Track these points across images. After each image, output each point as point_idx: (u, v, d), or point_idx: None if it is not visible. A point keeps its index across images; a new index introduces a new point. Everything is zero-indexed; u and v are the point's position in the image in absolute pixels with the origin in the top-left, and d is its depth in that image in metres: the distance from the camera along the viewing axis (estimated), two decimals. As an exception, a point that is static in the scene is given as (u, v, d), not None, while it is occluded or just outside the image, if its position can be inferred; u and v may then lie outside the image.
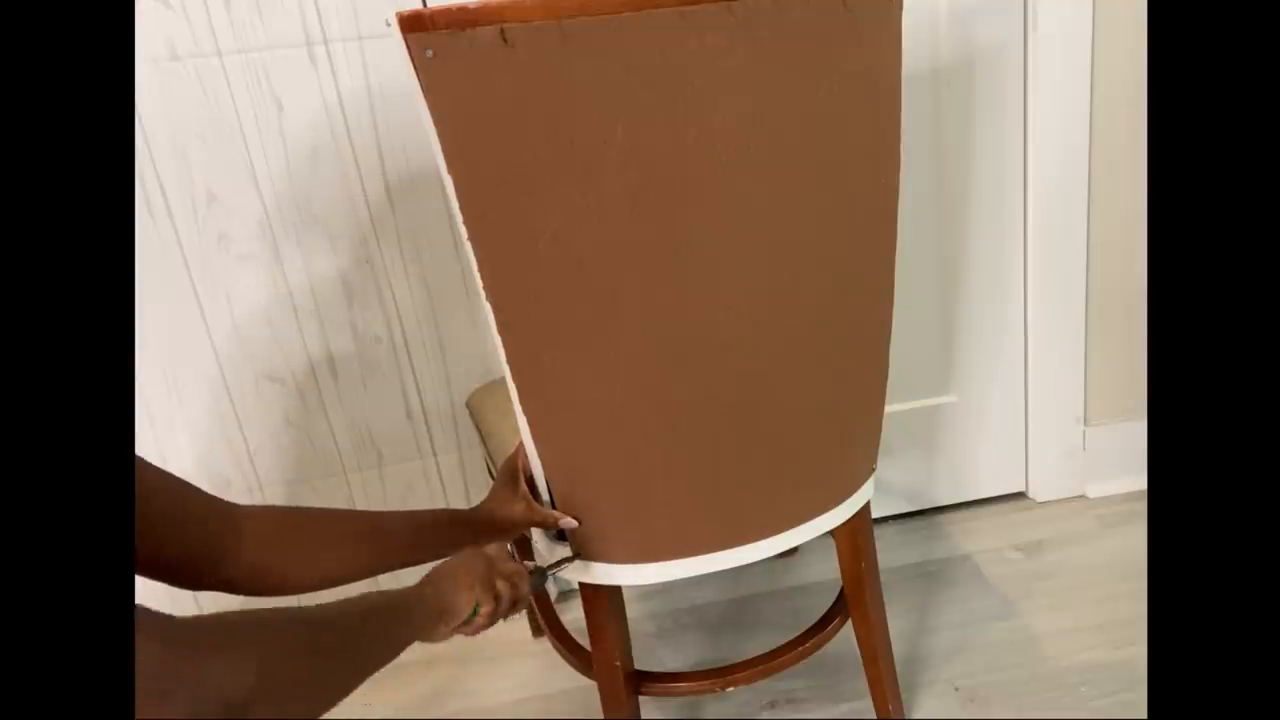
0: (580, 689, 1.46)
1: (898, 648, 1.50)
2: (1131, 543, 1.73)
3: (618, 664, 1.19)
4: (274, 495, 1.61)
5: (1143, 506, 1.81)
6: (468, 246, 0.92)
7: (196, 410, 1.55)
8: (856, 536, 1.24)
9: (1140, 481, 1.86)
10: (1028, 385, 1.81)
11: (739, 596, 1.72)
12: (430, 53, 0.81)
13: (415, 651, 0.92)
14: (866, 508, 1.23)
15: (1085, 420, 1.82)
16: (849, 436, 1.15)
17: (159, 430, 1.54)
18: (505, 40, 0.81)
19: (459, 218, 0.91)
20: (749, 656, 1.29)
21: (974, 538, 1.80)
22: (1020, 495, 1.90)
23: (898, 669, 1.39)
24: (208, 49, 1.38)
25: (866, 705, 1.41)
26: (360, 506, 1.65)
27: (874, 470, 1.22)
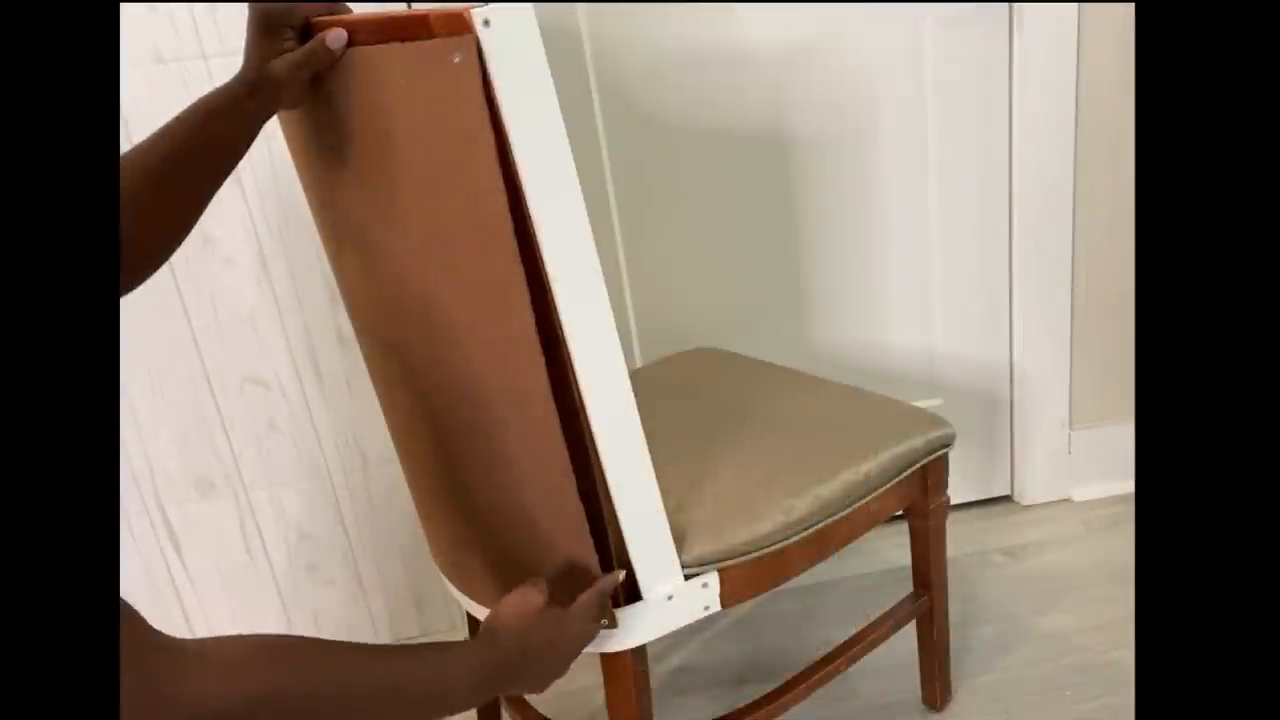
0: (580, 690, 1.46)
1: (890, 651, 1.51)
2: (1117, 546, 1.73)
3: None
4: (258, 498, 1.61)
5: (1128, 510, 1.82)
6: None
7: (180, 412, 1.54)
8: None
9: (1126, 485, 1.87)
10: (1014, 389, 1.82)
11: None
12: (459, 58, 0.81)
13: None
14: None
15: (1071, 424, 1.83)
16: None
17: (143, 432, 1.54)
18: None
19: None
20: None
21: (960, 541, 1.80)
22: (1006, 499, 1.91)
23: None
24: (192, 52, 1.37)
25: (864, 705, 1.41)
26: (347, 512, 1.65)
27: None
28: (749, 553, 1.08)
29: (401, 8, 1.17)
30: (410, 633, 1.74)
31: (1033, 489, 1.87)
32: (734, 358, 1.49)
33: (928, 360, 1.78)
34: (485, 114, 0.82)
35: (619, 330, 1.66)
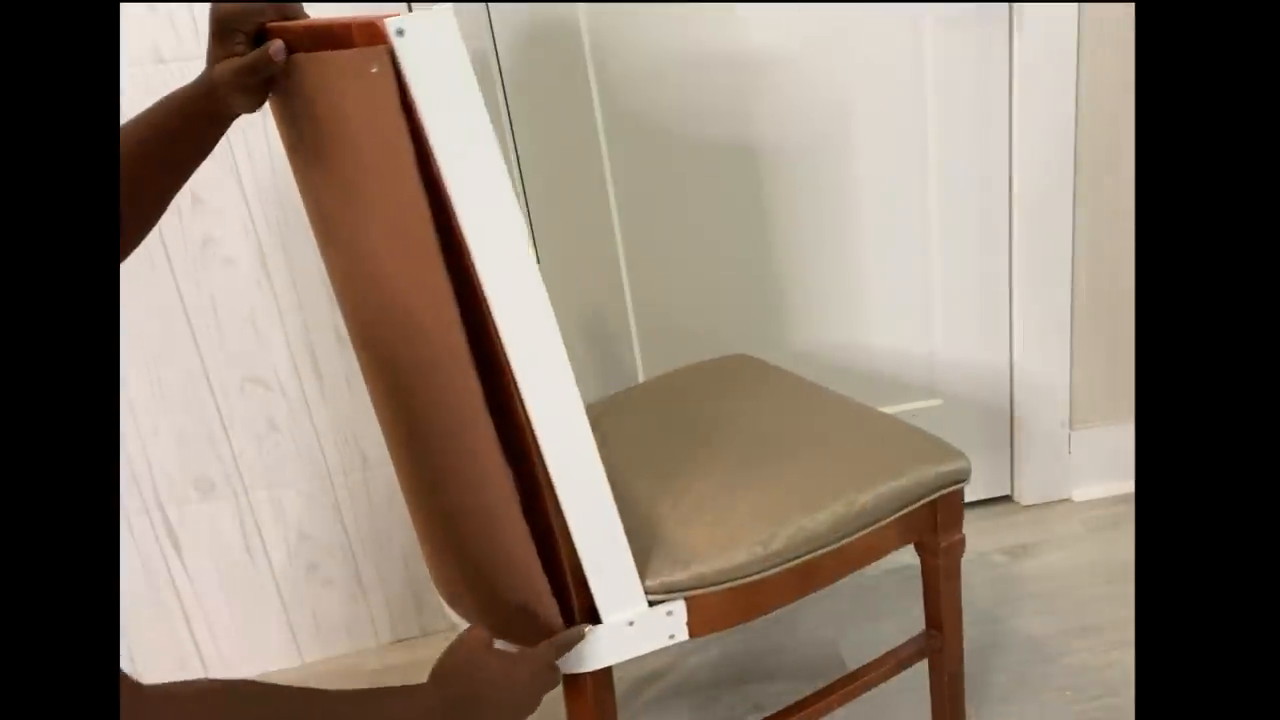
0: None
1: (883, 648, 1.50)
2: (1117, 547, 1.73)
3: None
4: (258, 499, 1.61)
5: (1128, 510, 1.82)
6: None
7: (180, 412, 1.54)
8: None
9: (1125, 485, 1.87)
10: (1014, 389, 1.82)
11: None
12: (375, 69, 0.79)
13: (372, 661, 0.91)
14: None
15: (1071, 424, 1.83)
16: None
17: (143, 432, 1.54)
18: None
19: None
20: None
21: (960, 541, 1.80)
22: (1006, 499, 1.91)
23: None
24: (192, 52, 1.37)
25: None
26: (347, 512, 1.65)
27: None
28: (720, 583, 1.02)
29: (352, 11, 1.15)
30: (410, 633, 1.74)
31: (1033, 489, 1.87)
32: (764, 368, 1.41)
33: (928, 360, 1.78)
34: (403, 125, 0.79)
35: (620, 333, 1.66)
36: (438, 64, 0.77)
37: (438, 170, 0.80)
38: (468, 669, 0.91)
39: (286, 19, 0.91)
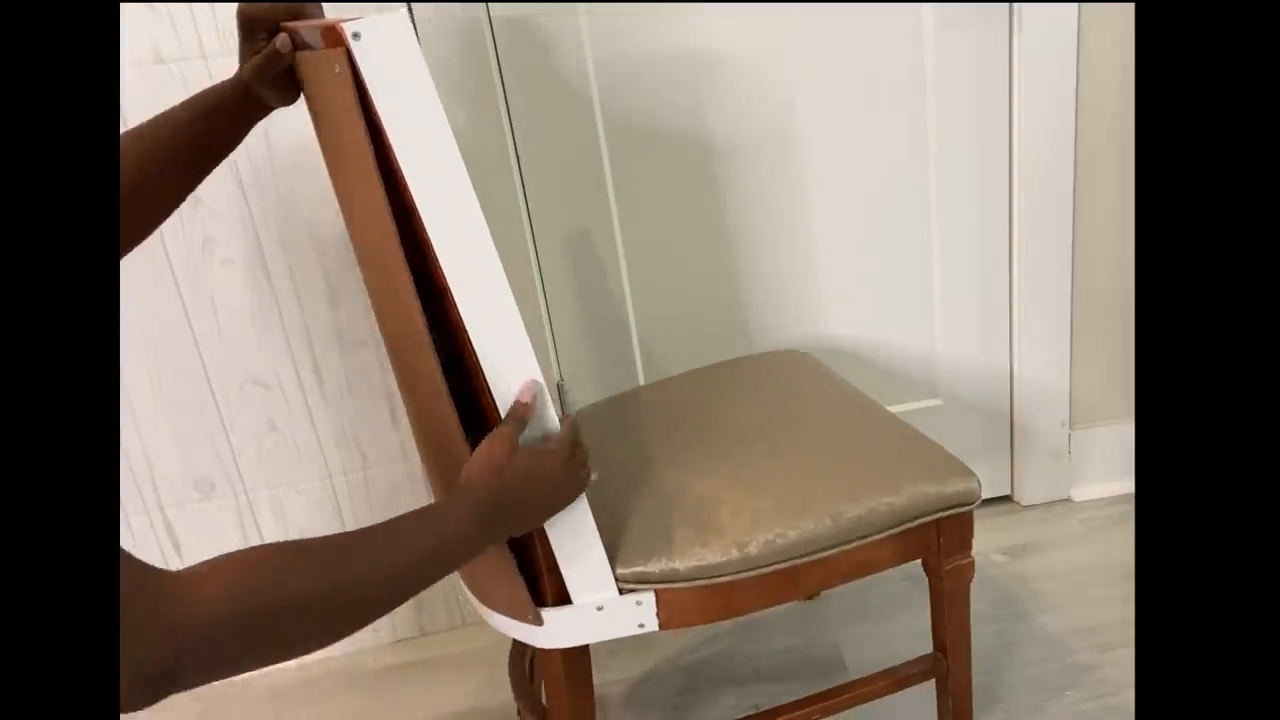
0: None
1: (886, 652, 1.50)
2: (1117, 547, 1.73)
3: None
4: (258, 499, 1.61)
5: (1128, 510, 1.82)
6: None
7: (180, 412, 1.54)
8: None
9: (1126, 485, 1.87)
10: (1014, 389, 1.82)
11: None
12: (338, 69, 0.83)
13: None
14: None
15: (1071, 424, 1.83)
16: None
17: (143, 432, 1.54)
18: None
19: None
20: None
21: (960, 541, 1.80)
22: (1006, 499, 1.91)
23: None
24: (192, 52, 1.37)
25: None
26: (347, 512, 1.65)
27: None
28: (692, 580, 1.02)
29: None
30: (410, 633, 1.74)
31: (1033, 489, 1.87)
32: (810, 366, 1.39)
33: (928, 360, 1.78)
34: (362, 125, 0.83)
35: (621, 332, 1.66)
36: (393, 67, 0.81)
37: (398, 166, 0.83)
38: (495, 471, 0.90)
39: (302, 18, 0.97)
